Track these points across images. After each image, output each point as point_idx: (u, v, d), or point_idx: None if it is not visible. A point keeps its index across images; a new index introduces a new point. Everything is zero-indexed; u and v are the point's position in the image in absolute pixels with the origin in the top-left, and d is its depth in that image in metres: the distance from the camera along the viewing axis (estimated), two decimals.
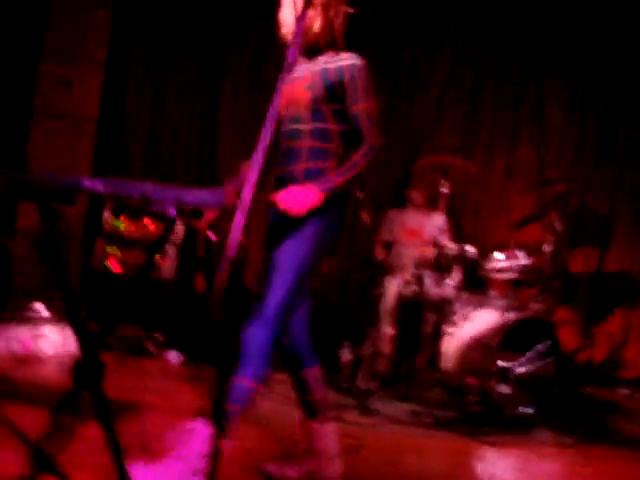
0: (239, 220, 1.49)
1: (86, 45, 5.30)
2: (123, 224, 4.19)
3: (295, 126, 2.46)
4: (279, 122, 2.48)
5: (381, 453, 3.11)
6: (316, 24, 2.45)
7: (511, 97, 5.54)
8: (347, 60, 2.45)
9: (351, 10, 2.46)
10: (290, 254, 2.32)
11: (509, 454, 3.33)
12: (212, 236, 2.10)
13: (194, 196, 1.67)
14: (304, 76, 2.48)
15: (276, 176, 2.52)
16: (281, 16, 2.52)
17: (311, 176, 2.36)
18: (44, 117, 5.30)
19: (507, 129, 5.54)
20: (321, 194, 2.27)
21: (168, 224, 1.80)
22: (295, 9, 2.37)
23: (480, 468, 3.17)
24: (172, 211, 1.67)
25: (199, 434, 2.21)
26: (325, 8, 2.45)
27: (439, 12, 5.50)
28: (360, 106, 2.43)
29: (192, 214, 2.19)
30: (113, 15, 5.38)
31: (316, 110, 2.42)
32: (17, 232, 5.21)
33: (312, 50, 2.50)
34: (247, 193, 1.56)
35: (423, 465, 2.98)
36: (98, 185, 1.78)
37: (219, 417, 1.59)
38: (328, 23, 2.47)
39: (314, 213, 2.30)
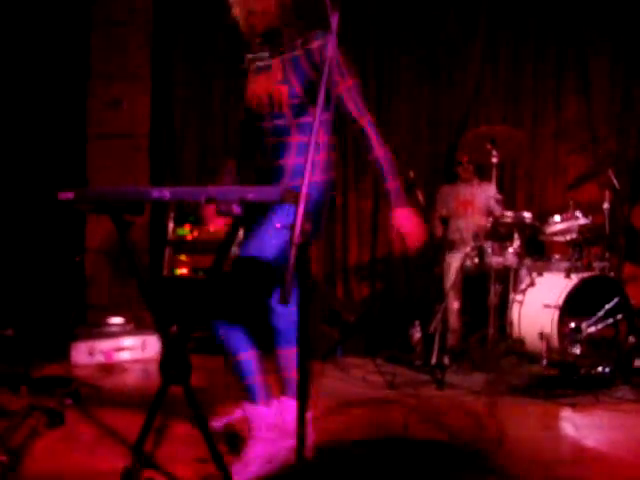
0: (301, 208, 1.58)
1: (131, 63, 5.48)
2: (188, 231, 4.34)
3: (278, 122, 2.41)
4: (256, 117, 2.45)
5: (462, 421, 3.17)
6: (268, 5, 2.33)
7: (553, 55, 5.45)
8: (315, 41, 2.34)
9: None
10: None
11: (589, 413, 3.33)
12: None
13: (257, 193, 1.77)
14: (272, 67, 2.41)
15: (260, 170, 2.50)
16: (232, 10, 2.40)
17: (301, 171, 2.38)
18: (98, 137, 5.51)
19: (551, 90, 5.47)
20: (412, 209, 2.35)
21: (235, 222, 1.90)
22: None
23: (562, 429, 3.19)
24: (237, 209, 1.77)
25: (283, 411, 2.33)
26: None
27: None
28: (341, 86, 2.34)
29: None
30: (154, 32, 5.54)
31: (297, 105, 2.36)
32: (87, 251, 5.44)
33: (269, 35, 2.40)
34: (305, 187, 1.64)
35: (505, 431, 3.02)
36: (165, 193, 1.89)
37: (303, 393, 1.69)
38: (270, 11, 2.35)
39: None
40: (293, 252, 1.51)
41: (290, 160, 2.40)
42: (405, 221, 2.34)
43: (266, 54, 2.45)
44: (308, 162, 1.64)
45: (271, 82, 2.39)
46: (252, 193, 1.76)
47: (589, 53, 5.39)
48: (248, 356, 2.41)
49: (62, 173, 5.30)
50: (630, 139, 5.27)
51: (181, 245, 4.38)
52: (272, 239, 2.31)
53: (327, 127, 2.37)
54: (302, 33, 2.40)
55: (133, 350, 4.55)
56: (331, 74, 1.69)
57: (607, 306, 3.83)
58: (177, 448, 2.75)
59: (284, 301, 1.45)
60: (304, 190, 1.64)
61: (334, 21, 1.76)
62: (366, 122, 2.39)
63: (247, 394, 2.45)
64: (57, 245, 5.34)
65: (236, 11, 2.38)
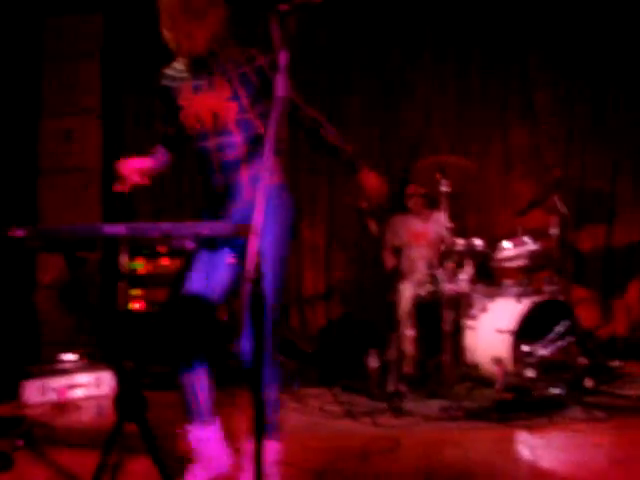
0: (253, 243, 1.59)
1: (82, 97, 5.45)
2: (142, 265, 4.31)
3: (224, 139, 2.44)
4: (195, 137, 2.47)
5: (418, 450, 3.19)
6: (200, 37, 2.37)
7: (498, 86, 5.62)
8: (262, 57, 2.44)
9: (228, 11, 2.39)
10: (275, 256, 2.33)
11: (543, 435, 3.38)
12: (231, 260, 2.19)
13: (210, 228, 1.78)
14: (215, 85, 2.44)
15: (216, 190, 2.49)
16: (165, 32, 2.43)
17: (258, 181, 2.41)
18: (49, 171, 5.45)
19: (498, 120, 5.62)
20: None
21: (187, 257, 1.91)
22: (174, 18, 2.35)
23: (518, 452, 3.23)
24: (190, 244, 1.78)
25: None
26: (203, 19, 2.36)
27: (418, 12, 5.61)
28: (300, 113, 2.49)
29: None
30: (104, 65, 5.54)
31: (243, 119, 2.41)
32: (38, 286, 5.34)
33: (207, 56, 2.45)
34: (258, 216, 1.66)
35: (461, 456, 3.05)
36: (119, 229, 1.89)
37: (260, 426, 1.69)
38: (211, 33, 2.39)
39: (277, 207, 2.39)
40: (247, 288, 1.52)
41: (244, 174, 2.42)
42: (372, 180, 2.43)
43: (204, 72, 2.46)
44: (259, 201, 1.65)
45: (219, 99, 2.41)
46: (206, 229, 1.77)
47: (533, 83, 5.56)
48: (198, 376, 2.43)
49: (13, 207, 5.23)
50: (574, 165, 5.45)
51: (135, 279, 4.34)
52: (223, 274, 2.34)
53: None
54: (242, 51, 2.47)
55: (87, 387, 4.47)
56: (282, 113, 1.72)
57: (558, 329, 3.92)
58: None
59: (237, 336, 1.46)
60: (257, 225, 1.65)
61: (282, 59, 1.80)
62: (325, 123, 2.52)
63: (193, 415, 2.45)
64: (7, 281, 5.23)
65: (171, 34, 2.41)
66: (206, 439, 2.47)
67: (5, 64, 5.32)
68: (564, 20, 5.41)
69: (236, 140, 2.42)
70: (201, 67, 2.47)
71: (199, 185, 2.84)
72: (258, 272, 1.55)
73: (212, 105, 2.42)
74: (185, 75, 2.50)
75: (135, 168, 2.44)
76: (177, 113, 2.51)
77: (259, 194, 1.69)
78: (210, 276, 2.34)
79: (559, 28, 5.43)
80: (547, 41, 5.49)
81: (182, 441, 2.53)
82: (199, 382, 2.43)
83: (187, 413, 2.48)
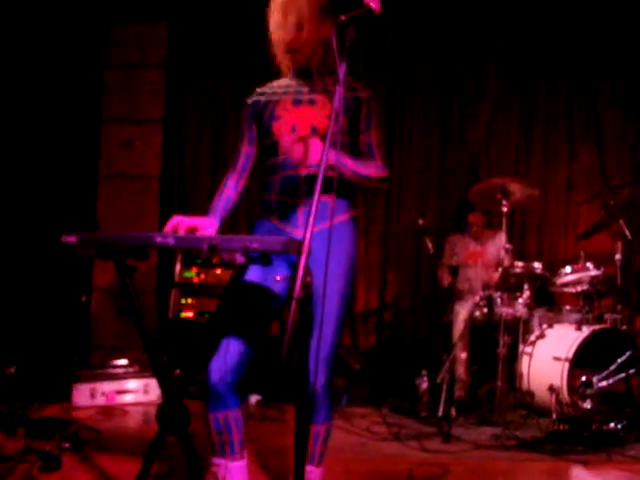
0: (303, 261, 1.55)
1: (144, 105, 5.54)
2: (194, 274, 4.32)
3: None
4: (281, 150, 2.38)
5: (466, 478, 3.08)
6: (311, 42, 2.33)
7: (564, 108, 5.48)
8: (363, 91, 2.42)
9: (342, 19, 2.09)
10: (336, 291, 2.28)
11: (600, 472, 3.23)
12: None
13: (260, 243, 1.74)
14: (317, 102, 2.40)
15: (290, 206, 2.38)
16: (275, 35, 2.38)
17: (339, 206, 2.32)
18: (109, 177, 5.55)
19: (562, 141, 5.48)
20: (335, 158, 2.14)
21: (238, 271, 1.87)
22: (287, 20, 2.29)
23: None
24: (240, 258, 1.74)
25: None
26: (318, 22, 2.31)
27: (484, 29, 5.52)
28: (372, 137, 2.40)
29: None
30: (167, 74, 5.61)
31: (335, 142, 2.27)
32: (93, 290, 5.42)
33: (304, 71, 2.42)
34: (308, 233, 1.61)
35: None
36: (169, 240, 1.87)
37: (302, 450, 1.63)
38: (322, 41, 2.34)
39: (343, 239, 2.32)
40: (293, 307, 1.47)
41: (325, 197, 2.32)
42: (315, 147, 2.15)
43: (306, 88, 2.43)
44: (312, 213, 1.60)
45: (319, 115, 2.36)
46: (256, 243, 1.73)
47: (601, 102, 5.40)
48: (235, 413, 2.34)
49: (73, 212, 5.33)
50: None
51: (187, 288, 4.36)
52: (274, 289, 2.30)
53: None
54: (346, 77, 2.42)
55: (135, 393, 4.49)
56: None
57: (619, 360, 3.75)
58: None
59: (284, 359, 1.41)
60: (307, 242, 1.60)
61: (342, 71, 1.75)
62: (382, 171, 2.40)
63: (224, 449, 2.35)
64: (64, 284, 5.33)
65: (277, 44, 2.38)
66: (225, 476, 2.38)
67: (70, 71, 5.44)
68: (633, 37, 5.24)
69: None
70: (305, 81, 2.44)
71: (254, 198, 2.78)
72: (306, 291, 1.50)
73: (312, 119, 2.37)
74: (289, 90, 2.46)
75: (187, 228, 2.23)
76: (266, 131, 2.44)
77: (311, 212, 1.64)
78: (261, 291, 2.30)
79: (628, 45, 5.27)
80: (615, 59, 5.32)
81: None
82: (234, 418, 2.36)
83: (216, 446, 2.40)
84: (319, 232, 1.63)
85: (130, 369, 4.67)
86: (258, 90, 2.54)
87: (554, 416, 3.69)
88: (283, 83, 2.50)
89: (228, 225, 2.68)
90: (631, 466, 3.31)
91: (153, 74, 5.56)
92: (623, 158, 5.35)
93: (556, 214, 5.42)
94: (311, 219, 1.60)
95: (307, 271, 1.54)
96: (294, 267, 2.12)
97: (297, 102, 2.41)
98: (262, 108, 2.46)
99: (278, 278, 2.19)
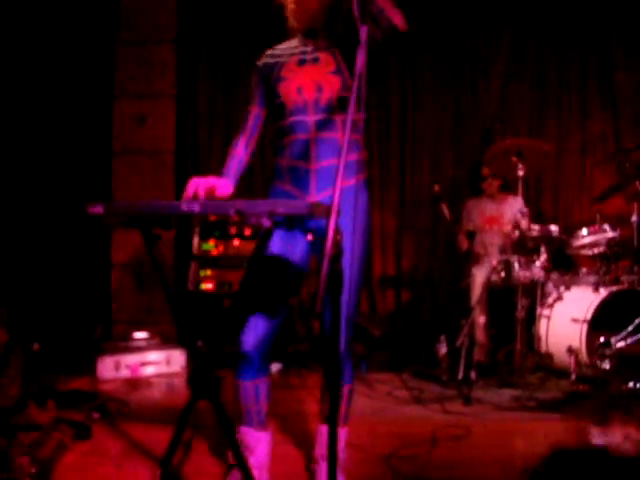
0: (333, 218, 1.57)
1: (156, 80, 5.54)
2: (213, 246, 4.35)
3: (324, 116, 2.35)
4: (289, 111, 2.38)
5: (489, 439, 3.13)
6: (314, 6, 2.35)
7: (577, 69, 5.45)
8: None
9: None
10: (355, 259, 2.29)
11: (619, 429, 3.26)
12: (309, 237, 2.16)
13: (285, 206, 1.77)
14: (320, 59, 2.40)
15: (301, 171, 2.39)
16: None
17: (350, 169, 2.31)
18: (123, 152, 5.56)
19: (577, 103, 5.45)
20: None
21: (264, 235, 1.90)
22: None
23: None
24: (267, 222, 1.77)
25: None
26: None
27: None
28: None
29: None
30: (179, 48, 5.60)
31: (344, 98, 2.31)
32: (112, 266, 5.48)
33: (311, 32, 2.43)
34: (336, 194, 1.64)
35: (532, 448, 2.97)
36: (195, 207, 1.89)
37: (335, 409, 1.68)
38: (326, 3, 2.35)
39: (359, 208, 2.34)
40: (325, 264, 1.50)
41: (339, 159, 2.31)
42: None
43: (310, 47, 2.43)
44: (340, 171, 1.63)
45: (323, 72, 2.37)
46: (282, 207, 1.76)
47: (614, 66, 5.36)
48: (265, 382, 2.43)
49: (87, 188, 5.37)
50: None
51: (206, 260, 4.39)
52: (300, 253, 2.34)
53: (358, 127, 2.35)
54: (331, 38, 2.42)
55: (158, 365, 4.56)
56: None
57: (637, 320, 3.77)
58: (204, 462, 2.75)
59: (316, 309, 1.44)
60: (336, 200, 1.63)
61: (363, 33, 1.76)
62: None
63: (252, 418, 2.43)
64: (83, 259, 5.39)
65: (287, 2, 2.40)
66: (254, 446, 2.45)
67: (80, 47, 5.44)
68: None
69: (338, 119, 2.35)
70: (309, 41, 2.44)
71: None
72: (337, 249, 1.53)
73: (316, 77, 2.37)
74: (294, 51, 2.47)
75: (206, 189, 2.27)
76: (273, 93, 2.46)
77: (338, 175, 1.66)
78: (288, 255, 2.34)
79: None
80: (630, 25, 5.26)
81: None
82: (263, 386, 2.42)
83: (243, 415, 2.45)
84: (341, 190, 1.64)
85: (152, 341, 4.75)
86: (268, 52, 2.55)
87: (573, 377, 3.73)
88: (291, 44, 2.51)
89: (243, 187, 2.70)
90: None
91: (164, 48, 5.55)
92: (638, 121, 5.32)
93: (571, 177, 5.42)
94: (338, 178, 1.62)
95: (337, 229, 1.56)
96: (313, 232, 2.16)
97: (301, 62, 2.42)
98: (270, 70, 2.48)
99: (309, 238, 2.22)
